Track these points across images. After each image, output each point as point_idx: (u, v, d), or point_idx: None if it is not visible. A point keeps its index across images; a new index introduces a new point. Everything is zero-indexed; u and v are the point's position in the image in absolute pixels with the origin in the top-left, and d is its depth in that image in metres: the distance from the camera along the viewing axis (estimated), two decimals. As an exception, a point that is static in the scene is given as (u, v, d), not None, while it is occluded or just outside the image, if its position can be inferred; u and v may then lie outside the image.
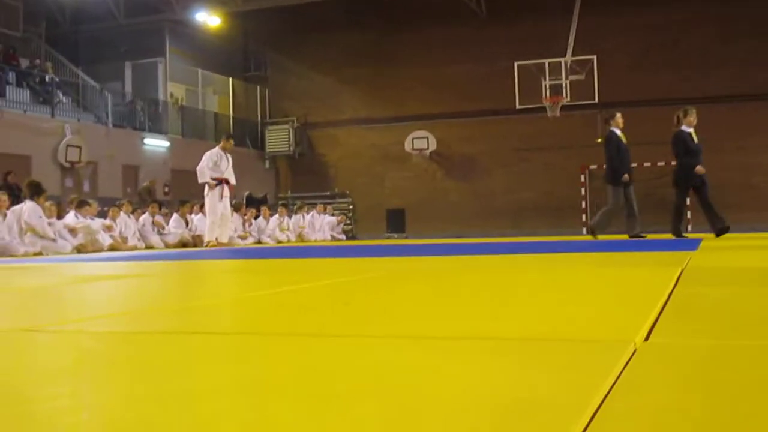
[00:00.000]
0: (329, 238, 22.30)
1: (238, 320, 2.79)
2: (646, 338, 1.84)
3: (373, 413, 1.21)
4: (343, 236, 23.74)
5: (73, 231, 13.54)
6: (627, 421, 1.15)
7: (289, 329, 2.39)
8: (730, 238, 11.12)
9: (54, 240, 12.97)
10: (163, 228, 16.56)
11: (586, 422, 1.11)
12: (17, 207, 12.97)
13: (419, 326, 2.33)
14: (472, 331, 2.13)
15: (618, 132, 12.26)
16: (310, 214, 22.21)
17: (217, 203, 14.81)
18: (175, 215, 16.98)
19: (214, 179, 14.67)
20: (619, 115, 13.38)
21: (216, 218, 14.85)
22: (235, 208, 18.62)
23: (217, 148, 15.08)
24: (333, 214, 23.92)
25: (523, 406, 1.22)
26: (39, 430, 1.18)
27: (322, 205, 23.41)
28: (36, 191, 13.01)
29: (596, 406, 1.18)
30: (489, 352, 1.77)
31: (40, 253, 12.42)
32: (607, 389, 1.29)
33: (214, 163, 14.79)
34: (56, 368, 1.75)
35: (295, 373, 1.58)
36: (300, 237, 20.65)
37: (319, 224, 22.33)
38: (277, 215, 20.99)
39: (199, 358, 1.84)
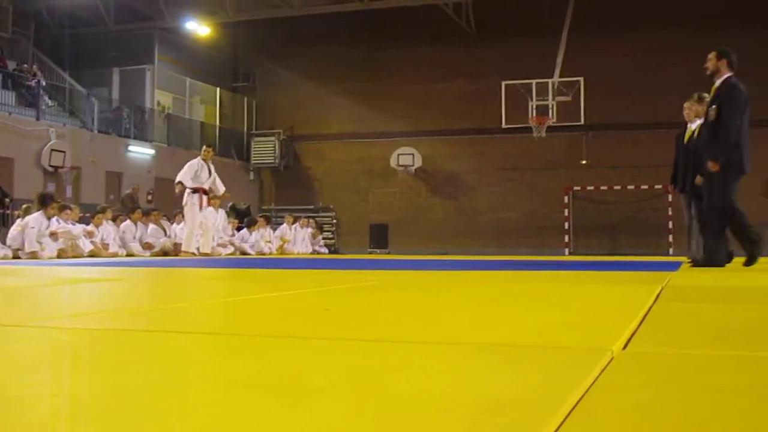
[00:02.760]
0: (311, 251, 22.26)
1: (215, 322, 2.79)
2: (624, 347, 1.86)
3: (349, 411, 1.21)
4: (326, 250, 23.70)
5: (53, 236, 13.47)
6: (600, 419, 1.16)
7: (268, 331, 2.39)
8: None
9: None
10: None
11: (561, 420, 1.12)
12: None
13: (399, 331, 2.33)
14: (453, 337, 2.14)
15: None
16: (293, 227, 22.17)
17: (197, 213, 14.78)
18: (151, 225, 16.86)
19: (191, 189, 14.66)
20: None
21: (194, 229, 14.82)
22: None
23: (198, 158, 15.09)
24: (308, 226, 23.84)
25: (499, 405, 1.22)
26: (17, 413, 1.18)
27: (305, 219, 23.37)
28: (43, 202, 13.28)
29: (571, 406, 1.20)
30: (469, 356, 1.78)
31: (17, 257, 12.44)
32: (583, 391, 1.31)
33: (195, 173, 14.79)
34: (34, 359, 1.75)
35: (272, 371, 1.58)
36: (280, 249, 20.56)
37: (302, 237, 22.29)
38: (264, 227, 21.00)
39: (174, 355, 1.84)
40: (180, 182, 14.67)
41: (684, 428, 1.11)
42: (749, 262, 8.10)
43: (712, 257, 7.99)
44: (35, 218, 13.17)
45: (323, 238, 24.94)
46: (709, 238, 8.15)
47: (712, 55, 8.33)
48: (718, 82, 8.19)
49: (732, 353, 1.87)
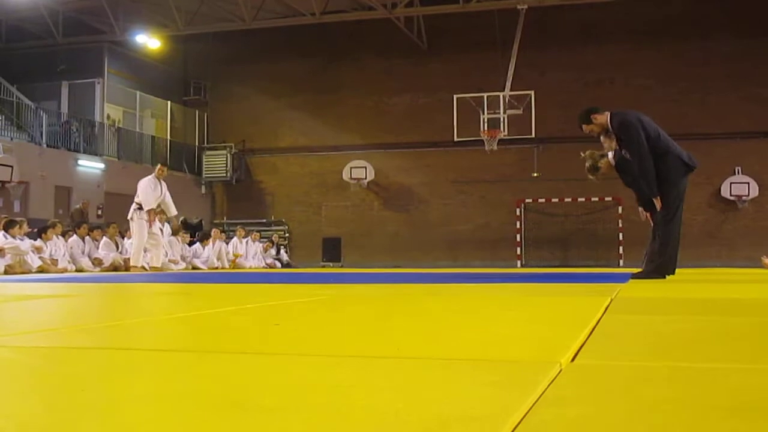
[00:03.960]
0: (264, 265, 22.16)
1: (161, 338, 2.76)
2: (572, 359, 1.88)
3: (296, 426, 1.20)
4: (279, 264, 23.58)
5: (0, 251, 13.25)
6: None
7: (214, 347, 2.37)
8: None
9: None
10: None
11: (507, 434, 1.12)
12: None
13: (348, 346, 2.33)
14: (401, 352, 2.14)
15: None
16: (245, 240, 22.06)
17: (145, 228, 14.69)
18: (105, 238, 16.70)
19: (138, 205, 14.63)
20: None
21: (142, 243, 14.72)
22: (174, 232, 18.45)
23: (152, 176, 15.01)
24: (261, 241, 23.74)
25: (446, 421, 1.23)
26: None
27: (257, 233, 23.27)
28: None
29: (517, 421, 1.20)
30: (416, 370, 1.78)
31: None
32: (530, 405, 1.32)
33: (152, 190, 14.73)
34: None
35: (220, 388, 1.56)
36: (233, 264, 20.46)
37: (254, 251, 22.19)
38: (217, 241, 20.90)
39: (119, 372, 1.82)
40: (151, 209, 14.65)
41: (628, 441, 1.12)
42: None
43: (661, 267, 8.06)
44: None
45: (283, 250, 24.86)
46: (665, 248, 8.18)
47: (584, 127, 8.29)
48: (610, 129, 8.14)
49: (676, 364, 1.90)
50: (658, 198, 7.94)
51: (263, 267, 21.72)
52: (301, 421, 1.24)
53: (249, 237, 22.38)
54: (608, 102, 25.20)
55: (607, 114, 8.13)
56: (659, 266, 8.06)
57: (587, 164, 8.95)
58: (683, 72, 25.18)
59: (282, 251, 24.79)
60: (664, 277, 7.95)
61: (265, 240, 24.37)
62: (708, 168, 24.94)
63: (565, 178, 24.50)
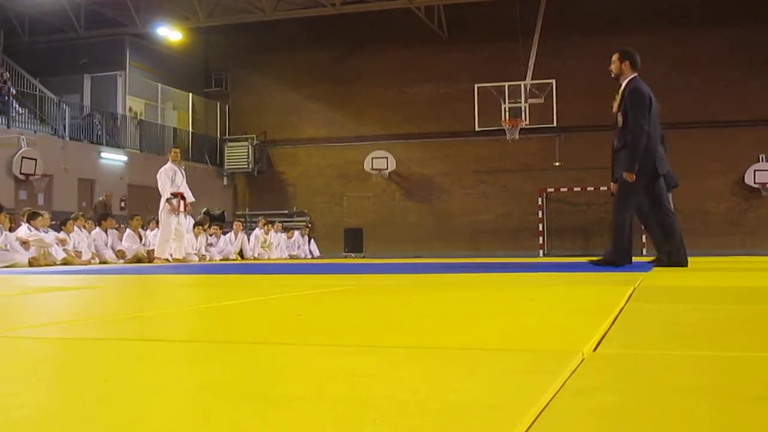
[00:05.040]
0: (287, 256, 22.22)
1: (187, 329, 2.78)
2: (595, 349, 1.87)
3: (319, 418, 1.21)
4: (310, 256, 23.54)
5: (25, 244, 13.34)
6: (567, 421, 1.17)
7: (240, 338, 2.38)
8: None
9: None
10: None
11: (530, 422, 1.13)
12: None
13: (369, 336, 2.34)
14: (423, 341, 2.14)
15: None
16: (269, 233, 22.11)
17: (171, 219, 14.70)
18: (128, 231, 16.79)
19: (171, 193, 14.61)
20: None
21: (169, 235, 14.73)
22: (199, 224, 18.54)
23: (168, 162, 14.99)
24: (297, 230, 24.01)
25: (468, 410, 1.23)
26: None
27: (279, 224, 23.32)
28: None
29: (540, 409, 1.20)
30: (438, 360, 1.78)
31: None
32: (552, 394, 1.31)
33: (171, 178, 14.72)
34: (3, 370, 1.73)
35: (243, 378, 1.57)
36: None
37: (277, 242, 22.24)
38: (239, 233, 21.05)
39: (142, 363, 1.83)
40: (169, 198, 14.63)
41: (650, 429, 1.12)
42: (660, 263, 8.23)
43: (616, 256, 8.05)
44: None
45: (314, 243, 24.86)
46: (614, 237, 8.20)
47: (615, 57, 8.37)
48: (623, 85, 8.21)
49: (698, 353, 1.89)
50: (632, 175, 7.93)
51: (286, 258, 21.76)
52: (323, 411, 1.24)
53: (272, 229, 22.43)
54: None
55: (634, 75, 8.22)
56: (612, 254, 8.08)
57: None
58: (706, 60, 24.97)
59: (313, 244, 24.82)
60: (618, 266, 7.90)
61: (299, 229, 24.55)
62: (731, 156, 24.79)
63: (587, 167, 24.37)
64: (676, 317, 2.86)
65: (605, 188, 24.86)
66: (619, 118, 8.17)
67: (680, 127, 24.92)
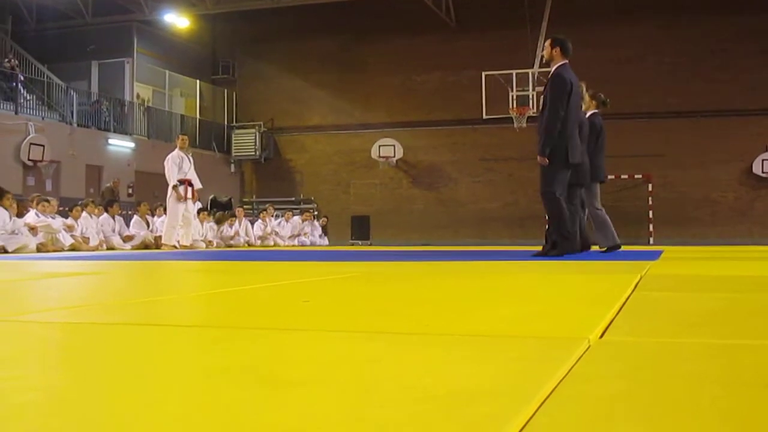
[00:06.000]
0: (297, 243, 22.22)
1: (195, 314, 2.79)
2: (601, 336, 1.88)
3: (325, 403, 1.21)
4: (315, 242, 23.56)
5: (33, 230, 13.37)
6: (574, 408, 1.17)
7: (247, 323, 2.39)
8: (687, 251, 11.24)
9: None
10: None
11: (535, 408, 1.13)
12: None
13: (375, 322, 2.34)
14: (428, 328, 2.14)
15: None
16: (278, 220, 22.10)
17: (179, 206, 14.72)
18: (135, 217, 16.83)
19: (178, 180, 14.62)
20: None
21: (176, 221, 14.75)
22: (218, 221, 18.62)
23: (176, 149, 14.99)
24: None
25: (473, 396, 1.23)
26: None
27: (289, 213, 23.29)
28: None
29: (545, 396, 1.20)
30: (444, 346, 1.78)
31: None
32: (558, 380, 1.31)
33: (178, 165, 14.73)
34: (11, 354, 1.73)
35: (250, 363, 1.58)
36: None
37: (287, 231, 22.17)
38: (260, 220, 21.08)
39: (150, 348, 1.84)
40: (175, 186, 14.63)
41: (656, 415, 1.12)
42: (542, 253, 8.21)
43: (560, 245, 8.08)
44: None
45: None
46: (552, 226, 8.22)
47: (547, 43, 8.45)
48: (552, 70, 8.31)
49: (705, 341, 1.89)
50: (545, 159, 8.01)
51: (291, 245, 21.74)
52: (329, 396, 1.24)
53: (282, 218, 22.39)
54: (637, 78, 25.15)
55: (564, 62, 8.28)
56: (554, 244, 8.13)
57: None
58: (715, 48, 24.87)
59: (318, 230, 24.76)
60: (561, 256, 7.91)
61: (322, 218, 24.60)
62: (739, 145, 24.71)
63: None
64: (684, 305, 2.87)
65: (612, 177, 24.83)
66: (541, 102, 8.27)
67: (688, 115, 24.89)
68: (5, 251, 12.43)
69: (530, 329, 2.10)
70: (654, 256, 8.27)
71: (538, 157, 8.09)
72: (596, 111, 9.63)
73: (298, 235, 22.69)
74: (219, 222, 19.11)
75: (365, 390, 1.29)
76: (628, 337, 1.96)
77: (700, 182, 25.08)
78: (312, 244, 22.80)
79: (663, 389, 1.29)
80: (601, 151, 9.68)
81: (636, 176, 25.15)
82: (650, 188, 25.20)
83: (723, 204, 25.11)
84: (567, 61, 8.28)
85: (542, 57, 8.57)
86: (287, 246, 20.83)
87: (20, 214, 13.61)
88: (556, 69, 8.23)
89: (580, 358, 1.53)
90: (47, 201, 14.15)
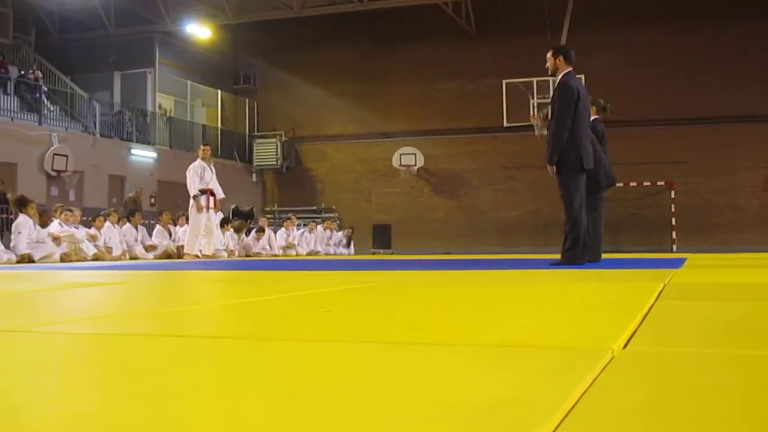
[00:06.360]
0: (318, 251, 22.25)
1: (218, 325, 2.79)
2: (624, 346, 1.86)
3: (348, 414, 1.21)
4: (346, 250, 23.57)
5: (56, 239, 13.47)
6: (599, 419, 1.16)
7: (269, 334, 2.39)
8: (711, 259, 11.16)
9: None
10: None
11: (559, 420, 1.12)
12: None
13: (398, 333, 2.34)
14: (452, 338, 2.14)
15: None
16: (300, 231, 22.10)
17: (201, 216, 14.77)
18: (158, 226, 16.91)
19: (201, 190, 14.68)
20: None
21: (198, 231, 14.80)
22: (236, 229, 18.66)
23: (198, 159, 15.04)
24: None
25: (497, 406, 1.22)
26: (19, 420, 1.18)
27: (313, 223, 23.33)
28: (22, 203, 13.14)
29: (570, 406, 1.20)
30: (468, 357, 1.78)
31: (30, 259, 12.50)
32: (582, 391, 1.31)
33: (200, 175, 14.78)
34: (36, 365, 1.74)
35: (272, 374, 1.58)
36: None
37: (308, 241, 22.17)
38: (283, 229, 21.10)
39: (172, 359, 1.84)
40: (196, 196, 14.68)
41: (682, 427, 1.11)
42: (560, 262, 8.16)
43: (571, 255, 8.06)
44: (23, 222, 13.11)
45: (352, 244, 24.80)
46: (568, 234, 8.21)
47: (549, 55, 8.43)
48: (558, 79, 8.31)
49: (729, 351, 1.87)
50: (553, 168, 8.11)
51: (312, 254, 21.76)
52: (351, 408, 1.24)
53: (305, 228, 22.40)
54: (659, 84, 25.03)
55: (568, 69, 8.26)
56: (570, 251, 8.12)
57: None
58: (735, 53, 24.72)
59: (352, 245, 24.74)
60: (582, 264, 7.91)
61: (348, 228, 24.61)
62: (763, 151, 24.54)
63: (616, 163, 24.12)
64: (707, 314, 2.84)
65: (634, 184, 24.77)
66: (548, 111, 8.25)
67: (710, 121, 24.75)
68: (31, 260, 12.53)
69: (553, 339, 2.09)
70: (677, 263, 8.22)
71: (548, 166, 8.16)
72: (597, 117, 9.63)
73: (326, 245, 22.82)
74: (238, 231, 19.14)
75: (387, 401, 1.29)
76: (651, 347, 1.95)
77: (724, 189, 24.91)
78: (335, 252, 22.84)
79: (687, 401, 1.28)
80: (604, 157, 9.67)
81: (658, 183, 25.03)
82: (673, 195, 25.06)
83: (747, 211, 24.92)
84: (572, 68, 8.29)
85: (547, 68, 8.54)
86: (309, 255, 20.85)
87: (44, 224, 13.71)
88: (562, 77, 8.24)
89: (604, 369, 1.52)
90: (70, 211, 14.25)
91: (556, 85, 8.35)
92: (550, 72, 8.55)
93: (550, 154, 8.10)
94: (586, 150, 8.15)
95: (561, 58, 8.31)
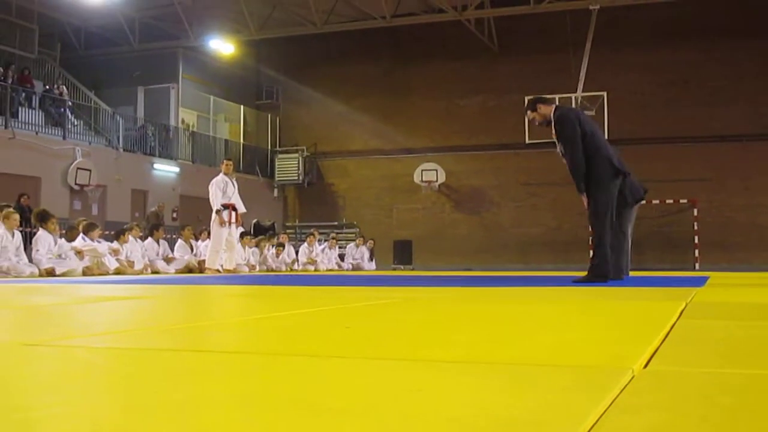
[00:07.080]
0: (336, 267, 22.23)
1: (238, 340, 2.79)
2: (645, 366, 1.85)
3: (365, 428, 1.21)
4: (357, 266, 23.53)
5: (79, 253, 13.56)
6: (618, 440, 1.15)
7: (286, 350, 2.39)
8: (733, 277, 11.07)
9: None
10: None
11: (578, 440, 1.11)
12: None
13: (417, 350, 2.33)
14: (472, 356, 2.13)
15: None
16: (322, 246, 22.04)
17: (222, 231, 14.79)
18: (180, 241, 16.98)
19: (222, 205, 14.72)
20: None
21: (219, 246, 14.83)
22: (256, 244, 18.68)
23: (220, 174, 15.09)
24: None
25: (515, 425, 1.22)
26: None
27: (333, 239, 23.31)
28: (43, 218, 13.20)
29: (589, 426, 1.19)
30: (486, 375, 1.77)
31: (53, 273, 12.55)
32: (602, 411, 1.30)
33: (222, 190, 14.82)
34: (53, 379, 1.75)
35: (290, 390, 1.58)
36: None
37: (329, 257, 22.11)
38: (305, 244, 21.09)
39: (193, 374, 1.84)
40: (218, 210, 14.70)
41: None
42: (583, 279, 8.18)
43: (598, 269, 8.05)
44: (42, 237, 13.13)
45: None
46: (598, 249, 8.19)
47: (529, 113, 8.55)
48: (552, 118, 8.33)
49: (751, 372, 1.86)
50: (585, 196, 8.14)
51: (333, 270, 21.75)
52: (370, 425, 1.24)
53: (326, 243, 22.36)
54: (681, 102, 24.93)
55: (553, 107, 8.36)
56: (595, 269, 8.08)
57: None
58: (759, 71, 24.59)
59: (373, 260, 24.62)
60: (605, 281, 7.89)
61: (369, 241, 24.56)
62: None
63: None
64: (730, 334, 2.81)
65: (657, 201, 24.64)
66: (560, 148, 8.36)
67: (733, 139, 24.61)
68: (52, 273, 12.60)
69: (573, 358, 2.08)
70: (700, 282, 8.16)
71: (583, 199, 8.20)
72: None
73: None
74: (257, 245, 19.18)
75: (406, 419, 1.28)
76: (673, 366, 1.93)
77: (747, 207, 24.74)
78: (359, 267, 22.81)
79: (707, 421, 1.27)
80: None
81: (681, 201, 24.88)
82: (696, 213, 24.91)
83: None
84: (554, 104, 8.41)
85: (538, 123, 8.59)
86: (330, 270, 20.84)
87: (71, 238, 13.81)
88: (554, 116, 8.29)
89: (624, 389, 1.51)
90: (96, 226, 14.38)
91: (553, 124, 8.35)
92: (537, 123, 8.63)
93: (577, 183, 8.15)
94: (611, 153, 8.19)
95: (539, 105, 8.41)
